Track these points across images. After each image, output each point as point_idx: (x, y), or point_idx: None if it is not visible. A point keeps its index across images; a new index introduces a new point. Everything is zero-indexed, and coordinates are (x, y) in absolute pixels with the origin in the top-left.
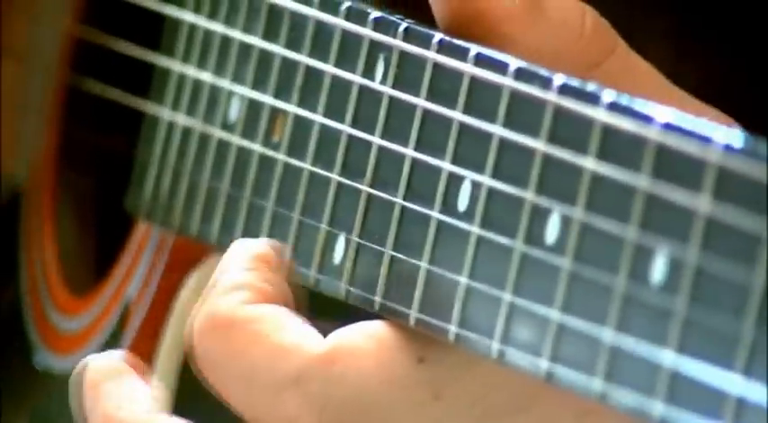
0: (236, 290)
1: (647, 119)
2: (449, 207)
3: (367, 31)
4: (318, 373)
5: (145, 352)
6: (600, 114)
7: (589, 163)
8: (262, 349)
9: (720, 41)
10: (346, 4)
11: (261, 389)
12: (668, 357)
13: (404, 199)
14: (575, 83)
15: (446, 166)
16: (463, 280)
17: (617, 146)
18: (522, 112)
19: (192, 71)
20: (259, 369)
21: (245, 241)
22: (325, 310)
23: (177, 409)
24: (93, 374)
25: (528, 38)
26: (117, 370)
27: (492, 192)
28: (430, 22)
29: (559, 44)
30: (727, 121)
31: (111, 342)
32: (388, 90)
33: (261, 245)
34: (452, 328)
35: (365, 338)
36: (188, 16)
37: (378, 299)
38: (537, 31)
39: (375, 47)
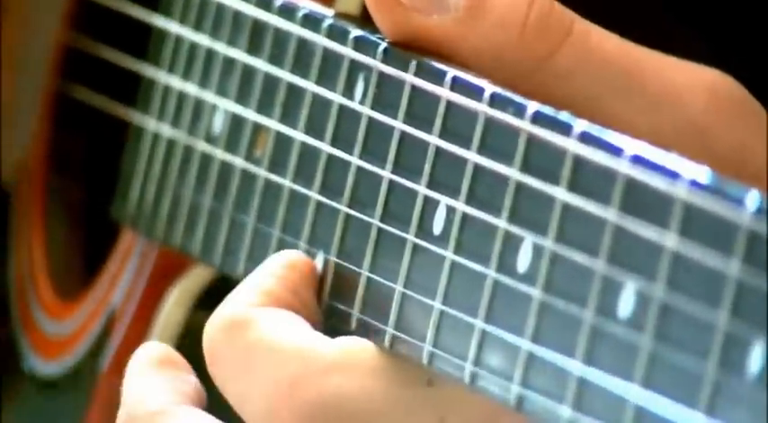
0: (252, 291)
1: (617, 150)
2: (424, 230)
3: (347, 50)
4: (314, 382)
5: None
6: (571, 144)
7: (560, 193)
8: (261, 350)
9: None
10: (328, 22)
11: (256, 391)
12: (634, 391)
13: (381, 220)
14: (547, 111)
15: (422, 189)
16: (437, 305)
17: (588, 177)
18: (497, 139)
19: (177, 82)
20: (256, 371)
21: (287, 251)
22: None
23: None
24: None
25: (467, 42)
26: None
27: (466, 217)
28: None
29: (498, 43)
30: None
31: (97, 349)
32: (366, 110)
33: (299, 255)
34: (427, 348)
35: (373, 354)
36: (174, 27)
37: (355, 316)
38: (475, 33)
39: (355, 66)
